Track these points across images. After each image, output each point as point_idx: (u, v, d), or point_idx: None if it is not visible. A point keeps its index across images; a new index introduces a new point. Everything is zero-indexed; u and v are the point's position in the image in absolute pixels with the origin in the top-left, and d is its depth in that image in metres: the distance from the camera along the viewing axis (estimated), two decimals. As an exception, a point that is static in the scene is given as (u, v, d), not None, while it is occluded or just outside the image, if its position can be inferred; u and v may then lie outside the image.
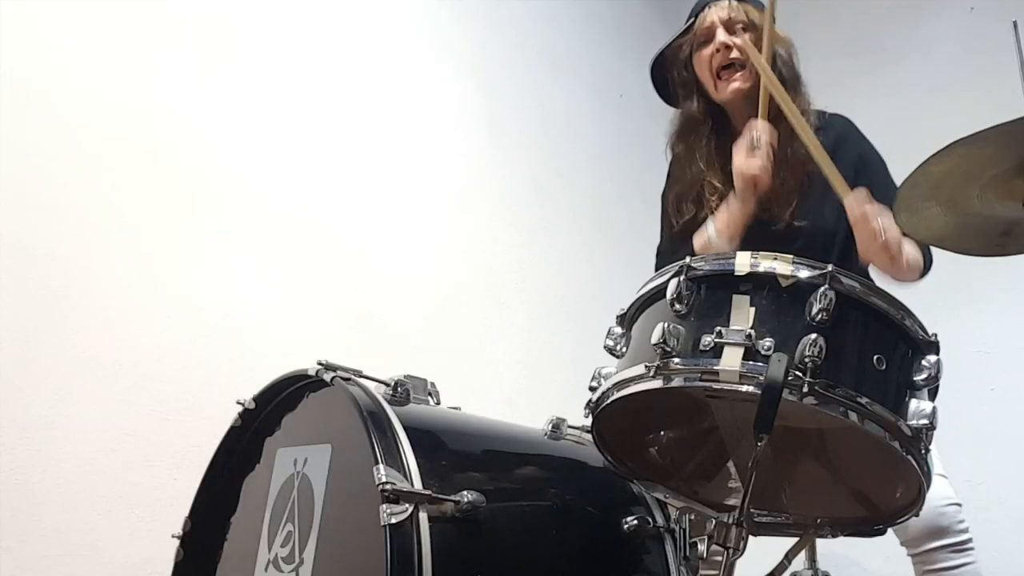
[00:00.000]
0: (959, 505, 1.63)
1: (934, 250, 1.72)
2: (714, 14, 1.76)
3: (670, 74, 1.85)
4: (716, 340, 1.03)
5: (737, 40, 1.73)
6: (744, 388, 1.00)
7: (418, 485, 1.13)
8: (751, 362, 1.00)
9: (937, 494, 1.60)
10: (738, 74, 1.75)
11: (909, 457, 1.05)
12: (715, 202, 1.75)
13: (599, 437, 1.24)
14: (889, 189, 1.71)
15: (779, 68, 1.74)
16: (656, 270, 1.88)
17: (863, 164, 1.75)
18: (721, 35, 1.74)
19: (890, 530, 1.32)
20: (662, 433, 1.37)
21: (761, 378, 0.98)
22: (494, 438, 1.47)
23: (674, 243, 1.86)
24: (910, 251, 1.63)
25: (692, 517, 1.40)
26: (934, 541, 1.60)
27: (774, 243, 1.42)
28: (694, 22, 1.79)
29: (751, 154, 1.63)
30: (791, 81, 1.75)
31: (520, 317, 2.78)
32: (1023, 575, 2.23)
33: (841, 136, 1.77)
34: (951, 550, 1.60)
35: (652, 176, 3.34)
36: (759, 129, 1.64)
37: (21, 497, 1.69)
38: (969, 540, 1.62)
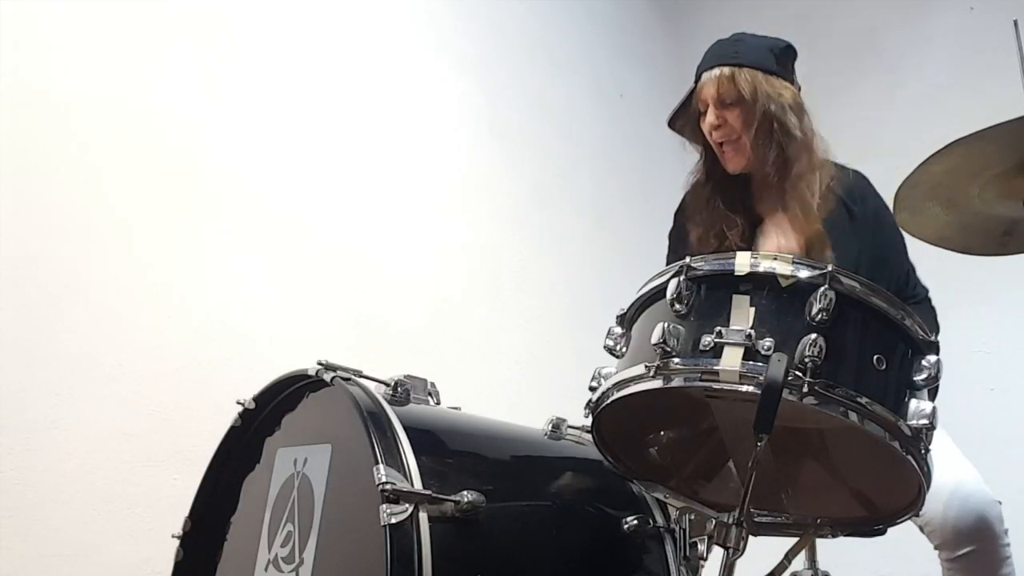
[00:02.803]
0: (999, 503, 1.54)
1: (936, 250, 1.72)
2: (706, 89, 1.71)
3: (685, 131, 1.83)
4: (716, 340, 1.03)
5: (728, 114, 1.70)
6: (744, 388, 1.00)
7: (418, 485, 1.13)
8: (751, 362, 1.00)
9: (975, 488, 1.53)
10: (734, 151, 1.72)
11: (909, 457, 1.05)
12: (735, 238, 1.73)
13: (599, 437, 1.24)
14: (901, 250, 1.72)
15: (778, 134, 1.69)
16: None
17: (878, 223, 1.72)
18: (711, 114, 1.71)
19: (900, 530, 1.30)
20: (662, 433, 1.37)
21: (761, 378, 0.98)
22: (494, 438, 1.47)
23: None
24: None
25: (692, 517, 1.40)
26: (971, 544, 1.51)
27: None
28: (694, 88, 1.76)
29: None
30: (794, 146, 1.69)
31: (520, 317, 2.78)
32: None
33: (859, 192, 1.75)
34: (991, 556, 1.51)
35: (652, 176, 3.36)
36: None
37: (21, 497, 1.69)
38: (1008, 545, 1.53)
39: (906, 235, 1.63)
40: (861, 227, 1.70)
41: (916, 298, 1.73)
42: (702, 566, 1.40)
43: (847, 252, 1.65)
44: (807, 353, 0.99)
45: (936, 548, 1.57)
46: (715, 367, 1.02)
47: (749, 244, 1.75)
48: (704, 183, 1.83)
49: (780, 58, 1.74)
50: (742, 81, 1.68)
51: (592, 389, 1.18)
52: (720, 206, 1.78)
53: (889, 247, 1.72)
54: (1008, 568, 1.54)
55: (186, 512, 1.47)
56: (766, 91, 1.68)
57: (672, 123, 1.84)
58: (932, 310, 1.73)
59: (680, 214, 1.90)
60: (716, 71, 1.70)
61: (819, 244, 1.66)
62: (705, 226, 1.78)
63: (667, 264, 1.90)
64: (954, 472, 1.53)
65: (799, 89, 1.77)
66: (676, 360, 1.04)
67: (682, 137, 1.85)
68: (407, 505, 1.09)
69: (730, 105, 1.69)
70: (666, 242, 1.99)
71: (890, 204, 1.50)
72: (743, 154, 1.72)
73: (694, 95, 1.76)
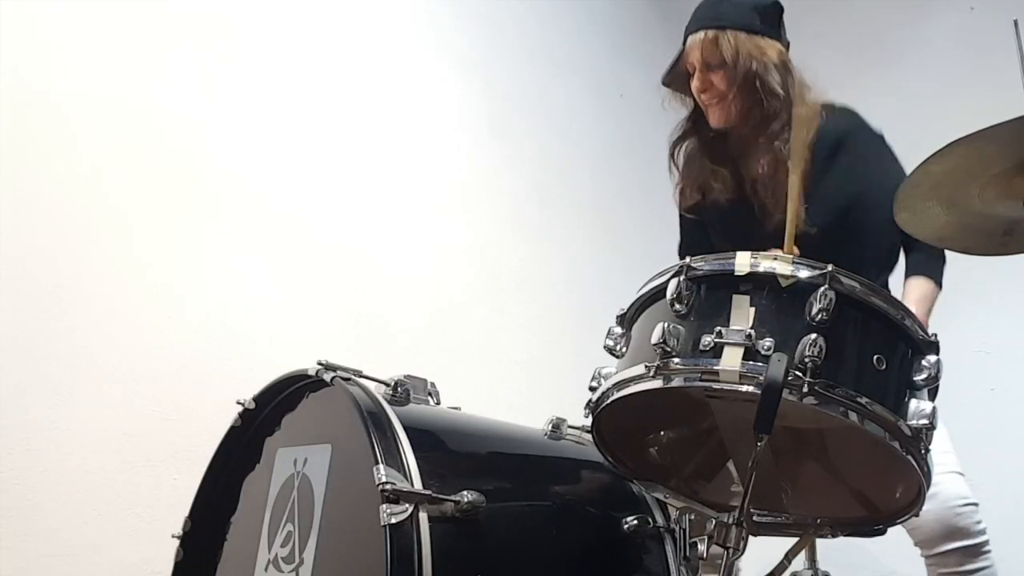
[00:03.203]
0: (976, 505, 1.60)
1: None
2: (692, 52, 1.75)
3: (676, 84, 1.85)
4: (716, 340, 1.03)
5: (713, 76, 1.73)
6: (744, 388, 1.00)
7: (418, 485, 1.13)
8: (751, 362, 1.00)
9: (954, 493, 1.58)
10: (719, 109, 1.75)
11: (909, 457, 1.05)
12: (719, 189, 1.77)
13: (599, 437, 1.24)
14: (900, 176, 1.70)
15: (762, 91, 1.71)
16: None
17: (870, 157, 1.75)
18: (696, 77, 1.75)
19: (900, 530, 1.31)
20: (662, 433, 1.37)
21: (761, 378, 0.99)
22: (494, 438, 1.47)
23: (687, 233, 1.90)
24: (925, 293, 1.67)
25: (692, 517, 1.40)
26: (950, 543, 1.57)
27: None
28: (681, 51, 1.79)
29: None
30: (778, 100, 1.71)
31: (520, 317, 2.78)
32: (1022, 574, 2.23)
33: (843, 135, 1.76)
34: (968, 553, 1.57)
35: (652, 176, 3.34)
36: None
37: (21, 497, 1.69)
38: (986, 542, 1.59)
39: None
40: (844, 162, 1.71)
41: None
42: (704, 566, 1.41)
43: (837, 193, 1.67)
44: (807, 353, 0.99)
45: (916, 545, 1.63)
46: (715, 367, 1.02)
47: (735, 196, 1.77)
48: (689, 137, 1.87)
49: (764, 16, 1.76)
50: (725, 44, 1.71)
51: (592, 389, 1.18)
52: (706, 161, 1.82)
53: (878, 172, 1.73)
54: (986, 561, 1.58)
55: (186, 512, 1.47)
56: (748, 51, 1.71)
57: (664, 80, 1.87)
58: (941, 255, 1.73)
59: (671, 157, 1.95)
60: (700, 34, 1.74)
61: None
62: (690, 178, 1.84)
63: (681, 238, 1.96)
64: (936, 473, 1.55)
65: (787, 45, 1.79)
66: (676, 360, 1.05)
67: (672, 92, 1.88)
68: (407, 505, 1.09)
69: (715, 67, 1.73)
70: (668, 242, 2.00)
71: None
72: (729, 112, 1.75)
73: (681, 57, 1.78)
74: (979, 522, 1.59)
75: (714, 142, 1.84)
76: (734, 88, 1.72)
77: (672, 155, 1.91)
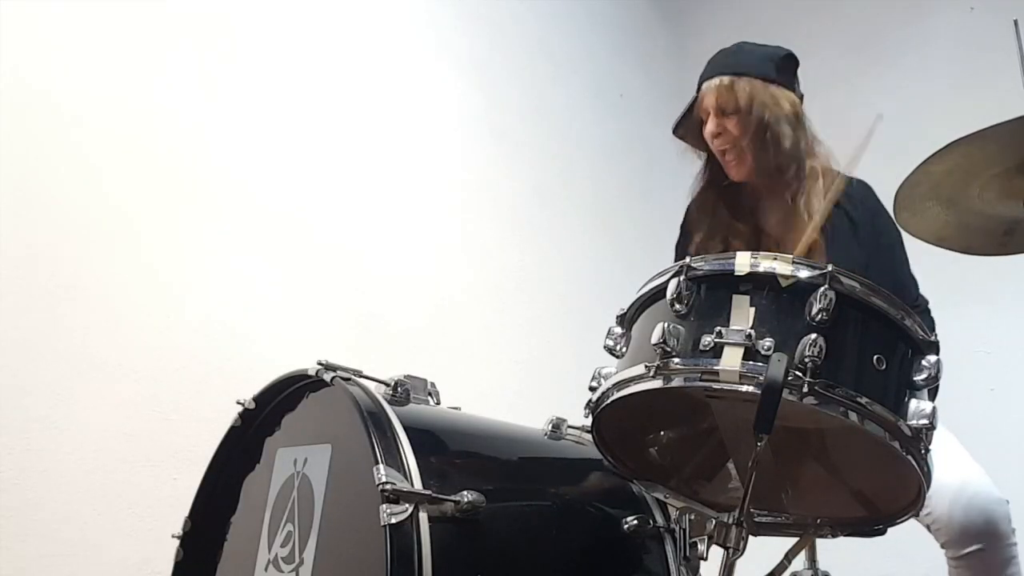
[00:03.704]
0: (1008, 502, 1.53)
1: (936, 250, 1.72)
2: (707, 98, 1.73)
3: (688, 137, 1.84)
4: (716, 340, 1.02)
5: (728, 123, 1.71)
6: (744, 388, 1.00)
7: (418, 485, 1.13)
8: (751, 362, 1.00)
9: (985, 485, 1.53)
10: (735, 158, 1.74)
11: (909, 457, 1.05)
12: (740, 246, 1.74)
13: (599, 437, 1.24)
14: (902, 259, 1.74)
15: (773, 141, 1.71)
16: None
17: (878, 231, 1.73)
18: (711, 123, 1.72)
19: (900, 530, 1.30)
20: (662, 433, 1.37)
21: (761, 378, 0.98)
22: (494, 438, 1.47)
23: None
24: None
25: (692, 517, 1.40)
26: (979, 543, 1.50)
27: None
28: (696, 98, 1.78)
29: None
30: (793, 149, 1.72)
31: (520, 317, 2.78)
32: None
33: (860, 200, 1.76)
34: (997, 553, 1.50)
35: (652, 176, 3.36)
36: None
37: (21, 497, 1.69)
38: (1014, 545, 1.53)
39: (906, 235, 1.63)
40: (862, 235, 1.71)
41: (916, 308, 1.73)
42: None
43: (847, 260, 1.65)
44: (807, 353, 0.99)
45: (942, 547, 1.57)
46: (715, 367, 1.02)
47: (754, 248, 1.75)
48: (707, 190, 1.85)
49: (780, 66, 1.76)
50: (740, 90, 1.70)
51: (592, 389, 1.18)
52: (725, 214, 1.80)
53: (889, 256, 1.73)
54: (1014, 568, 1.53)
55: (186, 512, 1.47)
56: (763, 100, 1.71)
57: (676, 131, 1.85)
58: (930, 321, 1.73)
59: (685, 224, 1.91)
60: (716, 80, 1.73)
61: (816, 253, 1.67)
62: (709, 232, 1.80)
63: None
64: (960, 470, 1.54)
65: (801, 97, 1.78)
66: (676, 360, 1.04)
67: (686, 144, 1.85)
68: (407, 505, 1.09)
69: (729, 114, 1.71)
70: (668, 242, 2.00)
71: (891, 204, 1.50)
72: (745, 162, 1.74)
73: (695, 105, 1.77)
74: (1010, 520, 1.53)
75: (732, 195, 1.82)
76: (747, 137, 1.70)
77: (692, 208, 1.87)
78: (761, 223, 1.80)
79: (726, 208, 1.81)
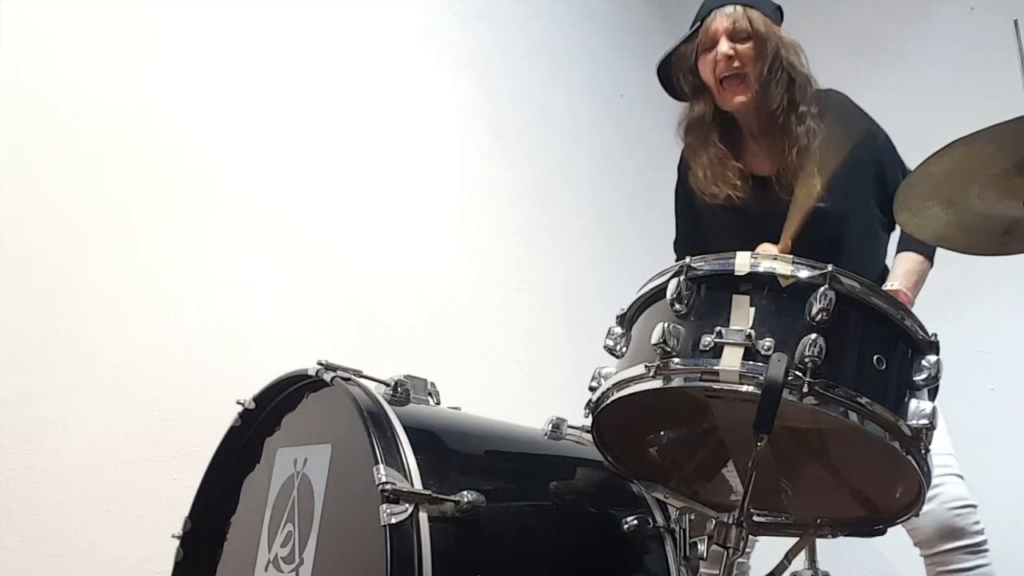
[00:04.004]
0: (974, 507, 1.61)
1: (936, 250, 1.73)
2: (719, 22, 1.73)
3: (676, 75, 1.84)
4: (716, 340, 1.03)
5: (740, 48, 1.72)
6: (744, 388, 1.00)
7: (418, 485, 1.13)
8: (751, 362, 1.00)
9: (953, 495, 1.59)
10: (740, 86, 1.73)
11: (909, 457, 1.05)
12: (737, 182, 1.76)
13: (599, 437, 1.24)
14: (896, 156, 1.78)
15: (789, 72, 1.73)
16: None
17: (869, 137, 1.77)
18: (724, 45, 1.72)
19: (900, 530, 1.31)
20: (662, 433, 1.37)
21: (761, 378, 0.98)
22: (494, 438, 1.47)
23: (708, 226, 1.86)
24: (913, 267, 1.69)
25: (692, 517, 1.40)
26: (949, 543, 1.58)
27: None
28: (699, 26, 1.77)
29: None
30: (801, 83, 1.75)
31: (520, 317, 2.78)
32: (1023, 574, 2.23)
33: (844, 113, 1.79)
34: (966, 551, 1.58)
35: (652, 176, 3.36)
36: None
37: (21, 497, 1.69)
38: (984, 541, 1.60)
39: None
40: (854, 145, 1.72)
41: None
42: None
43: (845, 175, 1.67)
44: (807, 353, 0.99)
45: (916, 545, 1.64)
46: (715, 367, 1.02)
47: (745, 191, 1.75)
48: (698, 126, 1.83)
49: (779, 13, 1.81)
50: (755, 18, 1.73)
51: (592, 389, 1.18)
52: (721, 147, 1.79)
53: (887, 157, 1.77)
54: (984, 559, 1.59)
55: (186, 512, 1.47)
56: (775, 31, 1.74)
57: (664, 66, 1.84)
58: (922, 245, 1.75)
59: (681, 171, 1.92)
60: (731, 7, 1.74)
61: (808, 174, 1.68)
62: (709, 165, 1.80)
63: (677, 233, 1.94)
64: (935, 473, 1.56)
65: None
66: (676, 360, 1.05)
67: (669, 88, 1.86)
68: (407, 505, 1.09)
69: (743, 39, 1.72)
70: (668, 242, 2.00)
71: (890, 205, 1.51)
72: (748, 89, 1.74)
73: (700, 31, 1.76)
74: (977, 522, 1.60)
75: (725, 129, 1.82)
76: (762, 63, 1.71)
77: (687, 139, 1.87)
78: (754, 167, 1.79)
79: (718, 143, 1.80)
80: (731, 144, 1.81)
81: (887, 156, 1.79)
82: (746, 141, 1.82)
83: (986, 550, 1.60)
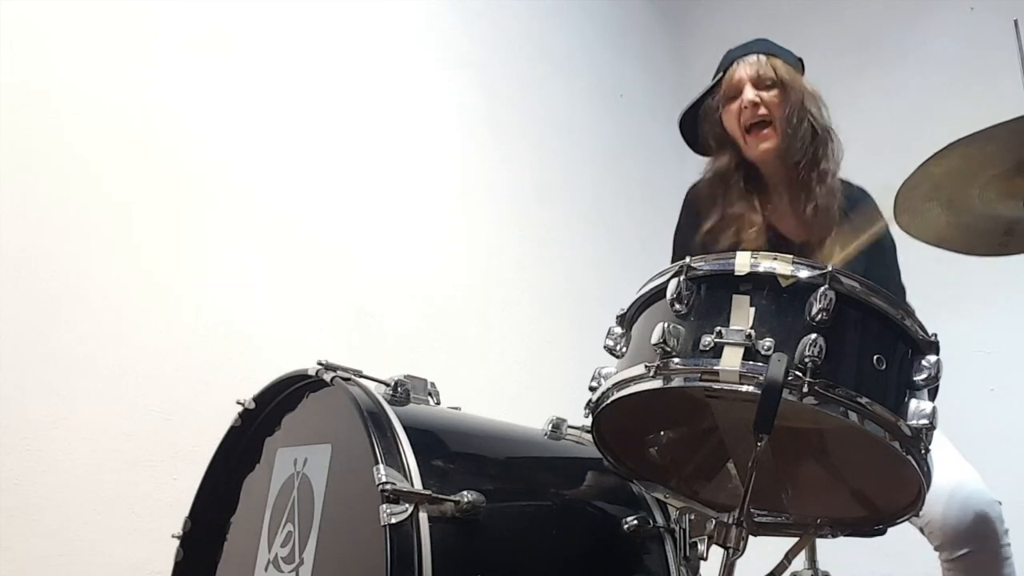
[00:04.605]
0: (1000, 503, 1.54)
1: (936, 251, 1.72)
2: (743, 70, 1.73)
3: (700, 127, 1.83)
4: (716, 340, 1.02)
5: (765, 96, 1.72)
6: (744, 388, 1.00)
7: (418, 485, 1.13)
8: (751, 362, 1.00)
9: (978, 489, 1.53)
10: (766, 131, 1.73)
11: (909, 457, 1.05)
12: (752, 235, 1.74)
13: (599, 437, 1.23)
14: (895, 270, 1.75)
15: (812, 124, 1.73)
16: None
17: (877, 240, 1.74)
18: (749, 93, 1.72)
19: (900, 530, 1.30)
20: (662, 433, 1.36)
21: (761, 378, 0.98)
22: (494, 438, 1.47)
23: None
24: None
25: (692, 517, 1.40)
26: (972, 544, 1.50)
27: None
28: (723, 76, 1.77)
29: None
30: (823, 136, 1.74)
31: (520, 317, 2.78)
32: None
33: (860, 207, 1.77)
34: (990, 555, 1.50)
35: (652, 176, 3.36)
36: None
37: (21, 497, 1.69)
38: (1008, 546, 1.53)
39: (907, 236, 1.63)
40: (863, 247, 1.71)
41: None
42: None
43: (848, 265, 1.66)
44: (807, 353, 0.99)
45: (936, 549, 1.57)
46: (715, 367, 1.01)
47: (763, 241, 1.74)
48: (719, 176, 1.81)
49: (799, 63, 1.81)
50: (779, 66, 1.74)
51: (592, 389, 1.18)
52: (738, 204, 1.78)
53: (886, 264, 1.74)
54: (1009, 569, 1.53)
55: (186, 512, 1.47)
56: (799, 80, 1.74)
57: (685, 120, 1.84)
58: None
59: (689, 214, 1.89)
60: (754, 56, 1.74)
61: (827, 246, 1.68)
62: (721, 219, 1.78)
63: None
64: (954, 472, 1.53)
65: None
66: (676, 360, 1.04)
67: (691, 142, 1.85)
68: (407, 505, 1.09)
69: (768, 87, 1.73)
70: (668, 242, 1.99)
71: (891, 205, 1.51)
72: (775, 138, 1.73)
73: (724, 81, 1.76)
74: (1004, 521, 1.53)
75: (744, 182, 1.79)
76: (785, 111, 1.70)
77: (701, 193, 1.85)
78: (777, 223, 1.78)
79: (739, 197, 1.78)
80: (755, 197, 1.79)
81: (885, 261, 1.75)
82: (770, 195, 1.80)
83: (1009, 557, 1.52)
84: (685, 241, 1.89)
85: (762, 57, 1.74)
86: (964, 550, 1.52)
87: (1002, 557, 1.53)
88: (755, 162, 1.79)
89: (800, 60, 1.82)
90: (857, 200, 1.77)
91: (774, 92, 1.72)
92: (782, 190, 1.78)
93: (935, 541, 1.56)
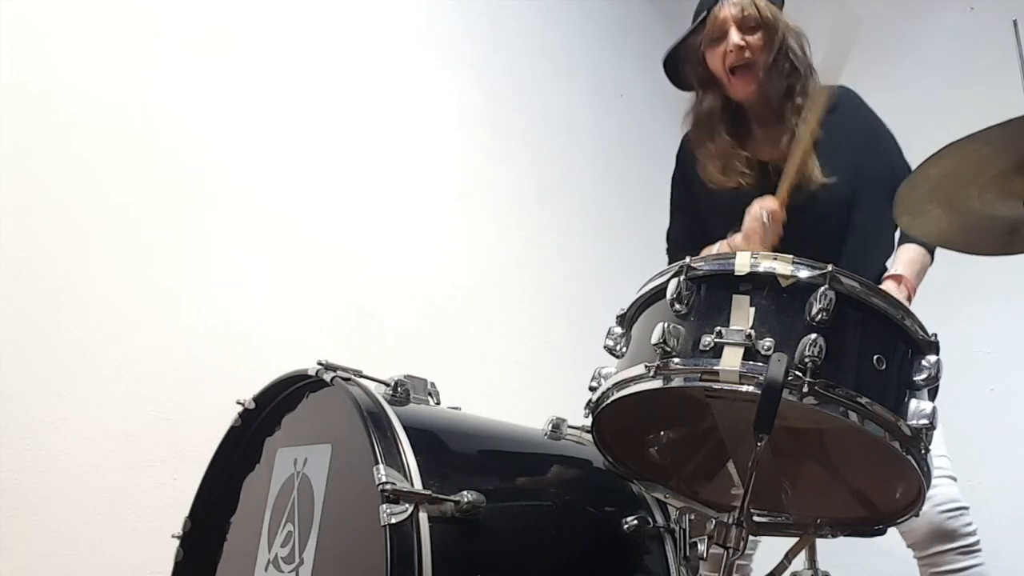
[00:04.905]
0: (966, 508, 1.62)
1: (936, 251, 1.73)
2: (727, 11, 1.73)
3: (683, 67, 1.84)
4: (716, 340, 1.03)
5: (750, 38, 1.72)
6: (744, 388, 1.00)
7: (418, 485, 1.13)
8: (751, 362, 1.00)
9: (945, 497, 1.60)
10: (750, 75, 1.74)
11: (909, 457, 1.05)
12: (746, 170, 1.76)
13: (599, 437, 1.24)
14: (898, 151, 1.79)
15: (792, 60, 1.75)
16: (668, 254, 1.90)
17: (871, 133, 1.79)
18: (735, 36, 1.72)
19: (894, 531, 1.32)
20: (662, 433, 1.37)
21: (761, 378, 0.98)
22: (494, 438, 1.47)
23: (710, 215, 1.85)
24: (915, 257, 1.70)
25: (692, 517, 1.40)
26: (941, 544, 1.59)
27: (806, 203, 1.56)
28: (706, 15, 1.77)
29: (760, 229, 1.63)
30: (803, 72, 1.76)
31: (520, 317, 2.78)
32: (1022, 574, 2.23)
33: (850, 107, 1.81)
34: (958, 552, 1.59)
35: (653, 176, 3.35)
36: (768, 210, 1.63)
37: (21, 497, 1.69)
38: (977, 542, 1.61)
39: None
40: (856, 138, 1.75)
41: None
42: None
43: (842, 164, 1.70)
44: (807, 353, 0.99)
45: (909, 547, 1.65)
46: (715, 367, 1.02)
47: (754, 179, 1.76)
48: (705, 116, 1.83)
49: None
50: (763, 6, 1.73)
51: (592, 389, 1.18)
52: (725, 140, 1.80)
53: (886, 153, 1.78)
54: (977, 559, 1.60)
55: (186, 512, 1.47)
56: (781, 18, 1.75)
57: (669, 59, 1.85)
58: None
59: (681, 159, 1.93)
60: None
61: (810, 165, 1.70)
62: (715, 155, 1.80)
63: (672, 221, 1.94)
64: None
65: None
66: (676, 360, 1.04)
67: (676, 80, 1.87)
68: (407, 505, 1.09)
69: (752, 28, 1.73)
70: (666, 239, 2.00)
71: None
72: (755, 79, 1.74)
73: (708, 21, 1.76)
74: (969, 523, 1.61)
75: (730, 120, 1.82)
76: (770, 52, 1.72)
77: (694, 130, 1.87)
78: (759, 153, 1.80)
79: (726, 134, 1.80)
80: (739, 133, 1.82)
81: (895, 156, 1.80)
82: (753, 129, 1.82)
83: (979, 550, 1.61)
84: (677, 193, 1.95)
85: None
86: (934, 548, 1.60)
87: (970, 551, 1.60)
88: (738, 100, 1.81)
89: None
90: (839, 99, 1.78)
91: (758, 34, 1.72)
92: (762, 122, 1.81)
93: (908, 540, 1.64)
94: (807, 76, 1.77)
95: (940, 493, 1.59)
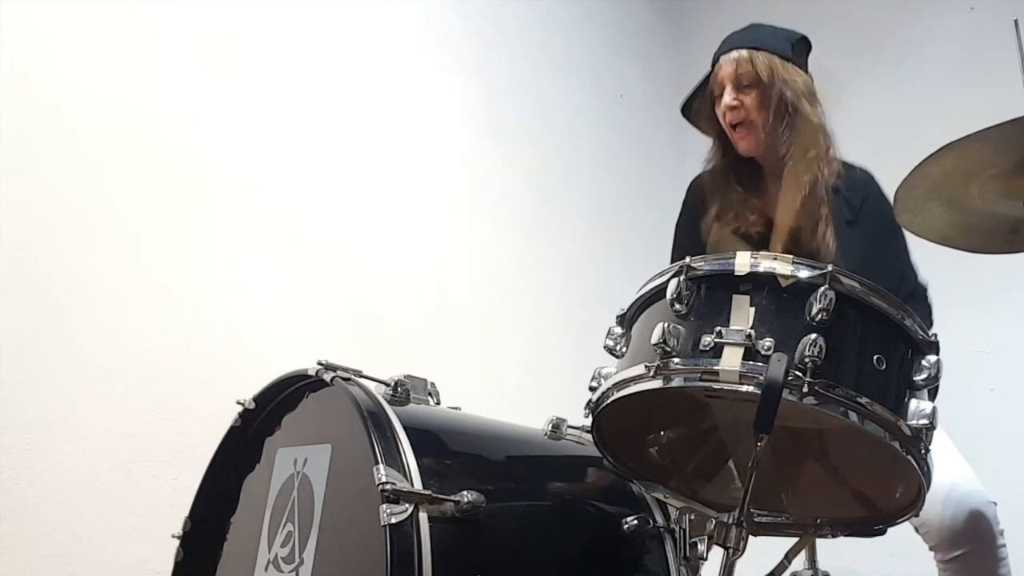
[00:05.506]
0: (995, 504, 1.54)
1: (936, 250, 1.72)
2: (725, 69, 1.73)
3: (695, 119, 1.84)
4: (716, 340, 1.02)
5: (744, 98, 1.71)
6: (744, 388, 1.00)
7: (418, 485, 1.13)
8: (751, 362, 1.00)
9: (973, 489, 1.52)
10: (748, 133, 1.74)
11: (909, 457, 1.05)
12: (754, 220, 1.76)
13: (599, 437, 1.24)
14: (901, 248, 1.73)
15: (793, 117, 1.72)
16: None
17: (878, 222, 1.73)
18: (727, 96, 1.72)
19: (900, 531, 1.30)
20: (662, 433, 1.37)
21: (761, 378, 0.98)
22: (494, 438, 1.47)
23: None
24: None
25: (692, 517, 1.40)
26: (967, 546, 1.50)
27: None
28: (711, 72, 1.77)
29: None
30: (811, 131, 1.73)
31: (520, 317, 2.78)
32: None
33: (862, 190, 1.77)
34: (985, 555, 1.50)
35: (652, 176, 3.36)
36: None
37: (21, 497, 1.69)
38: (1004, 546, 1.53)
39: (910, 235, 1.63)
40: (861, 224, 1.71)
41: (914, 296, 1.73)
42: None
43: (845, 248, 1.67)
44: (807, 353, 0.99)
45: (931, 549, 1.57)
46: (715, 367, 1.02)
47: (765, 229, 1.75)
48: (719, 168, 1.84)
49: (795, 47, 1.78)
50: (760, 63, 1.71)
51: (592, 389, 1.18)
52: (737, 191, 1.80)
53: (889, 245, 1.73)
54: (1004, 569, 1.53)
55: (186, 512, 1.47)
56: (782, 76, 1.72)
57: (686, 109, 1.85)
58: (928, 308, 1.73)
59: (690, 205, 1.91)
60: (735, 53, 1.73)
61: (810, 229, 1.68)
62: (723, 206, 1.80)
63: (672, 260, 1.91)
64: (950, 473, 1.53)
65: (811, 80, 1.79)
66: (676, 360, 1.04)
67: (695, 126, 1.86)
68: (407, 505, 1.09)
69: (747, 87, 1.72)
70: (666, 239, 1.99)
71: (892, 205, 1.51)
72: (756, 136, 1.74)
73: (711, 79, 1.77)
74: (998, 523, 1.54)
75: (744, 172, 1.81)
76: (767, 111, 1.71)
77: (704, 183, 1.86)
78: (770, 209, 1.78)
79: (739, 184, 1.80)
80: (751, 186, 1.81)
81: (889, 240, 1.73)
82: (767, 184, 1.81)
83: (1005, 557, 1.53)
84: (683, 236, 1.91)
85: (743, 53, 1.72)
86: (959, 551, 1.52)
87: (997, 557, 1.53)
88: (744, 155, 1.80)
89: (802, 39, 1.80)
90: (856, 181, 1.76)
91: (753, 93, 1.71)
92: (776, 178, 1.79)
93: (930, 541, 1.56)
94: (818, 135, 1.73)
95: (965, 486, 1.52)
